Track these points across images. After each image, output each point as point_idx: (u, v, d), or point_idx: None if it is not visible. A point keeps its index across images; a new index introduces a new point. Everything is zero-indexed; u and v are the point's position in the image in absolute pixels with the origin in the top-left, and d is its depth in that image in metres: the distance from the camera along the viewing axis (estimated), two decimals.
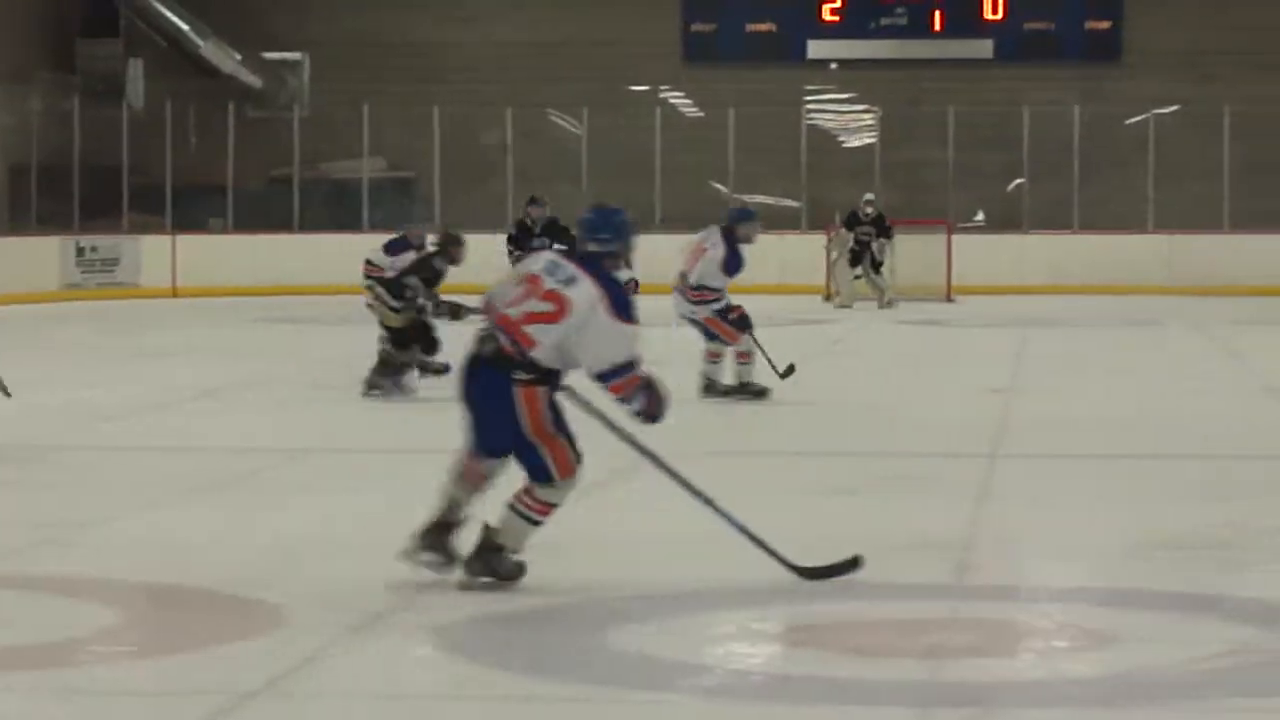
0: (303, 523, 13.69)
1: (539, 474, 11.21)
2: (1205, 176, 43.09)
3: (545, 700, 9.24)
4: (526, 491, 11.23)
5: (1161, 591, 11.68)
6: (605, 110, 45.33)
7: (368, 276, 23.40)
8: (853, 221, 39.27)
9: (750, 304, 21.89)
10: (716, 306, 20.83)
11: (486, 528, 11.17)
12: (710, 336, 20.75)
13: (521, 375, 11.15)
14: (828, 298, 39.33)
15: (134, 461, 17.75)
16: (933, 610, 11.17)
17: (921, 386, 22.30)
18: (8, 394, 22.99)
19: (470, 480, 11.81)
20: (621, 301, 11.06)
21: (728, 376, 20.60)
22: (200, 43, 45.37)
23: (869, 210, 38.87)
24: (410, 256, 22.55)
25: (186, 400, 21.75)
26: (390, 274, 22.65)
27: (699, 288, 20.76)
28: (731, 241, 20.77)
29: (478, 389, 11.42)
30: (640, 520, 14.22)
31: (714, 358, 20.71)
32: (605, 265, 11.29)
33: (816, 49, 46.89)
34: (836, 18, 46.71)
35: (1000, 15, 46.25)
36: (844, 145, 47.02)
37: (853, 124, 47.07)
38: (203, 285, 40.91)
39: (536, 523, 11.19)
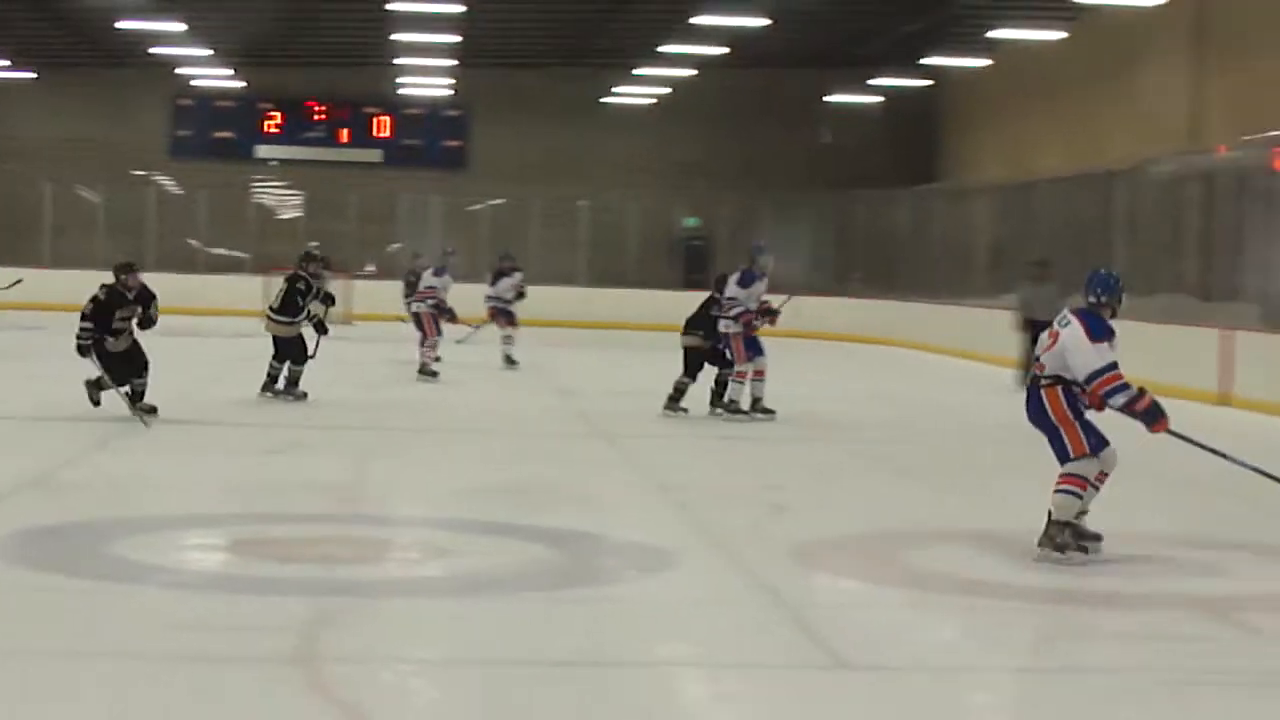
0: None
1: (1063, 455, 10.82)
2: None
3: (58, 591, 9.01)
4: (1061, 473, 10.81)
5: (482, 521, 11.53)
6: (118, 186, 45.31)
7: None
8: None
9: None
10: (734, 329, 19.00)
11: (1049, 512, 10.73)
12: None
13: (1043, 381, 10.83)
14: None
15: None
16: (326, 531, 11.21)
17: (328, 383, 20.66)
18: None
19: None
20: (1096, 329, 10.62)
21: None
22: None
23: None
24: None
25: None
26: None
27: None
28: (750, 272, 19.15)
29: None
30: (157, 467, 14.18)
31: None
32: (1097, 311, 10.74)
33: (262, 151, 47.62)
34: (277, 129, 47.54)
35: (388, 134, 47.72)
36: (278, 217, 47.35)
37: (286, 202, 47.55)
38: None
39: (1075, 494, 10.65)
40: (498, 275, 27.38)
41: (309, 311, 19.82)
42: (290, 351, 19.86)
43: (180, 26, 37.75)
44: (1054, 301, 26.28)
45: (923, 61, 40.30)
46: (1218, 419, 19.26)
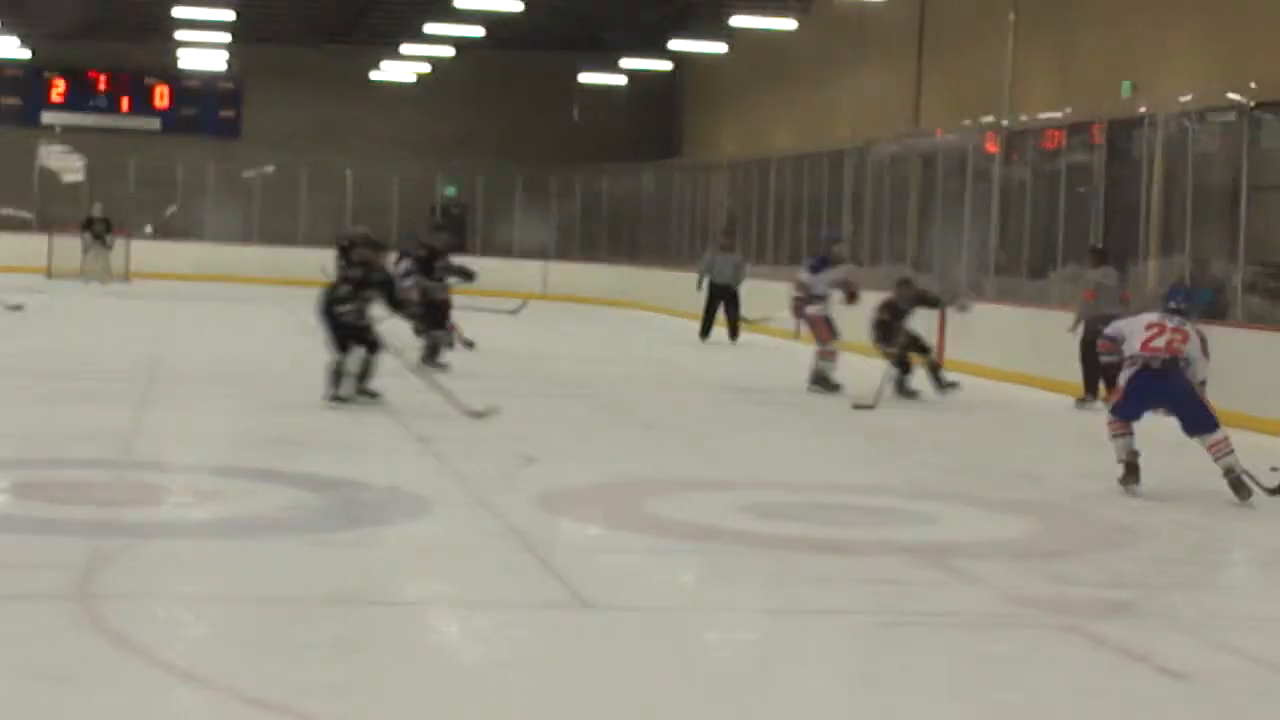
0: None
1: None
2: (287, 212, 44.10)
3: None
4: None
5: (250, 467, 11.42)
6: None
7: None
8: (87, 224, 38.56)
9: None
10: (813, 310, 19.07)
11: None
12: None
13: None
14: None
15: None
16: (104, 476, 11.04)
17: (108, 337, 21.16)
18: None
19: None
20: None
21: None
22: None
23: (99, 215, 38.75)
24: None
25: None
26: None
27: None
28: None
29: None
30: None
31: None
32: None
33: (48, 117, 46.39)
34: (61, 97, 46.42)
35: (167, 103, 46.85)
36: (63, 180, 46.13)
37: (69, 166, 46.25)
38: None
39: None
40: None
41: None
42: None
43: None
44: (740, 268, 27.45)
45: (667, 46, 40.61)
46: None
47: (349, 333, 15.62)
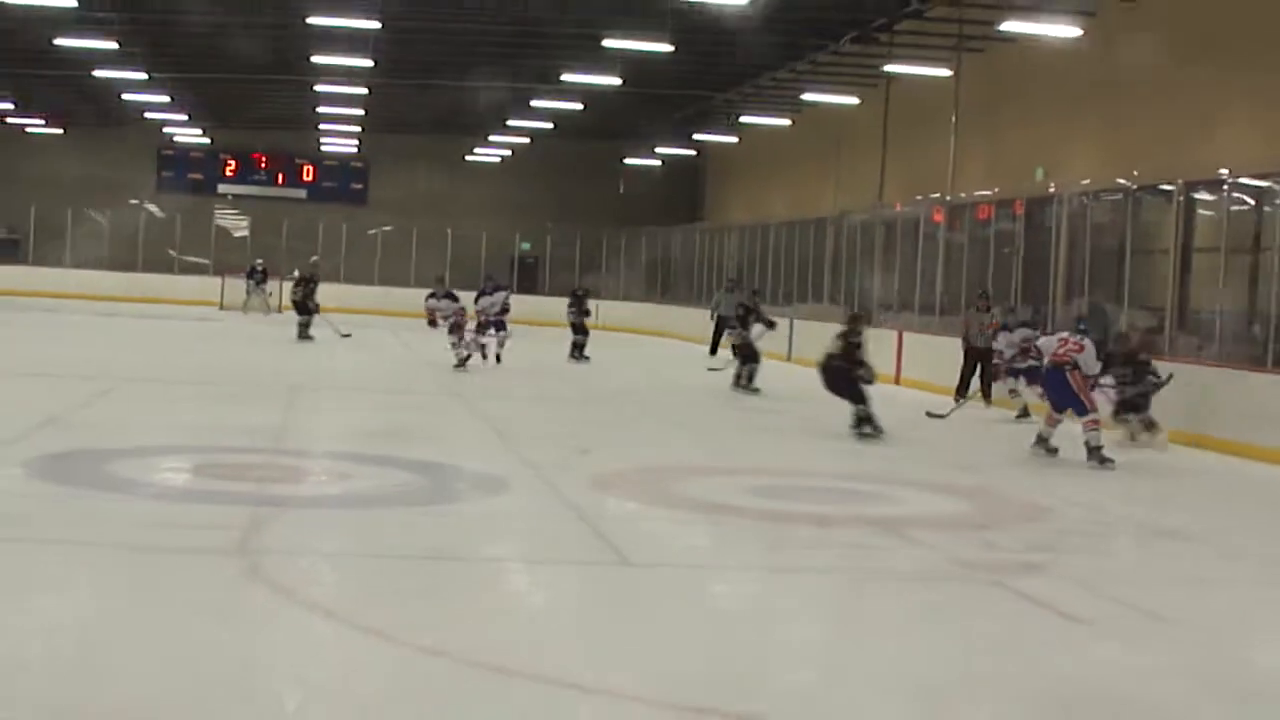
0: None
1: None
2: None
3: (67, 499, 8.70)
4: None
5: (369, 454, 11.35)
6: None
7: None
8: (250, 273, 38.64)
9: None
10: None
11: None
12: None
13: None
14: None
15: None
16: (259, 459, 11.01)
17: (264, 356, 19.65)
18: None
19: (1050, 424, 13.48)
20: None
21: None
22: None
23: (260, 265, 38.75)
24: None
25: None
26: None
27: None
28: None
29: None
30: None
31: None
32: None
33: (222, 188, 46.91)
34: (232, 173, 46.87)
35: (311, 178, 47.24)
36: (233, 235, 46.44)
37: (237, 225, 46.50)
38: None
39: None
40: (480, 294, 23.72)
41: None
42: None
43: (165, 98, 37.83)
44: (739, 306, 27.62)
45: (692, 137, 41.03)
46: (895, 392, 19.46)
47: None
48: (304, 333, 25.91)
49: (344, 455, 11.72)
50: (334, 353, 23.49)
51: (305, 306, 26.38)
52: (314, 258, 43.63)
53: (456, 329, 21.63)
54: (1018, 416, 17.45)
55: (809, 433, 15.47)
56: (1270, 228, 16.44)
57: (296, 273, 26.49)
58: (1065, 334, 13.89)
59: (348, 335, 25.85)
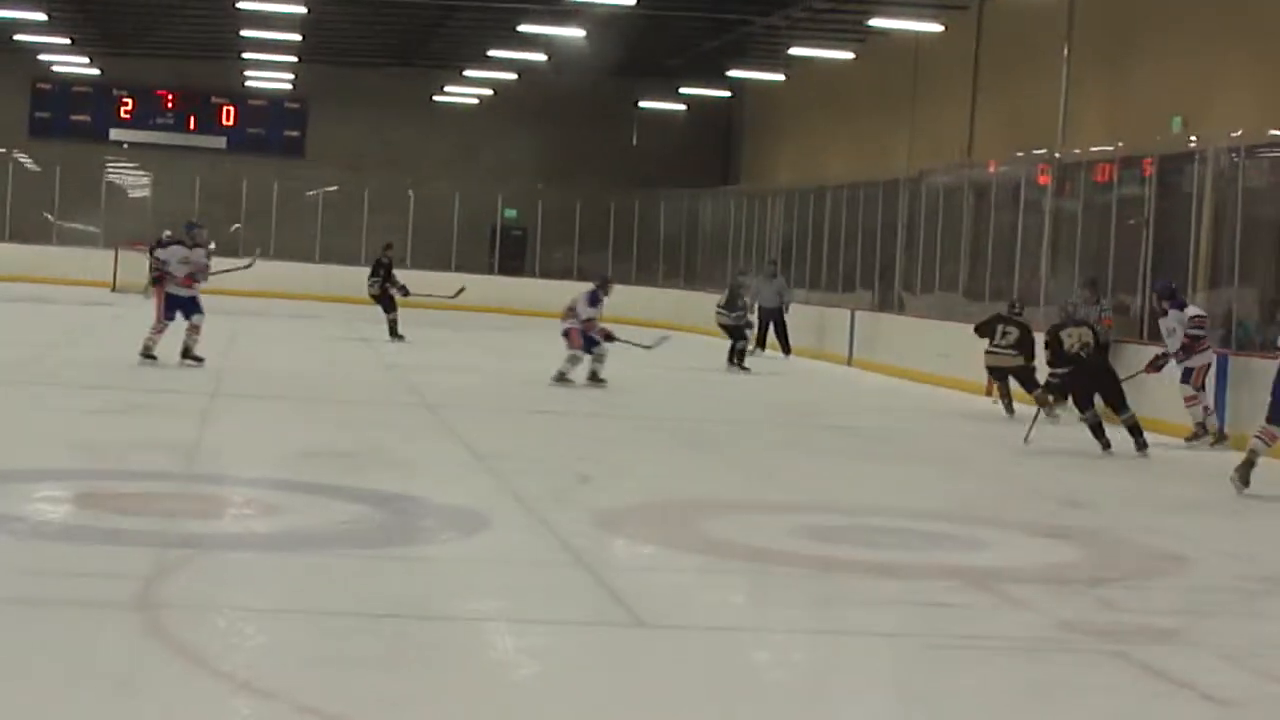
0: None
1: None
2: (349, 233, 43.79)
3: None
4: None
5: (310, 482, 11.48)
6: None
7: None
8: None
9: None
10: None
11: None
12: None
13: None
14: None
15: None
16: (167, 488, 11.02)
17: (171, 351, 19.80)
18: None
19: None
20: None
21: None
22: None
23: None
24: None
25: None
26: None
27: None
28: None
29: None
30: None
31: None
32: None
33: (116, 134, 47.10)
34: (129, 115, 46.93)
35: (232, 122, 47.36)
36: (130, 195, 47.32)
37: (135, 182, 47.27)
38: None
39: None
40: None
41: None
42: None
43: (41, 16, 37.64)
44: (783, 293, 29.60)
45: (726, 74, 40.93)
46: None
47: None
48: (395, 331, 27.24)
49: (276, 483, 11.72)
50: (267, 349, 23.69)
51: (386, 300, 27.78)
52: (234, 227, 43.87)
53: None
54: (1213, 444, 17.04)
55: (873, 457, 15.48)
56: None
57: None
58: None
59: (249, 265, 25.20)
